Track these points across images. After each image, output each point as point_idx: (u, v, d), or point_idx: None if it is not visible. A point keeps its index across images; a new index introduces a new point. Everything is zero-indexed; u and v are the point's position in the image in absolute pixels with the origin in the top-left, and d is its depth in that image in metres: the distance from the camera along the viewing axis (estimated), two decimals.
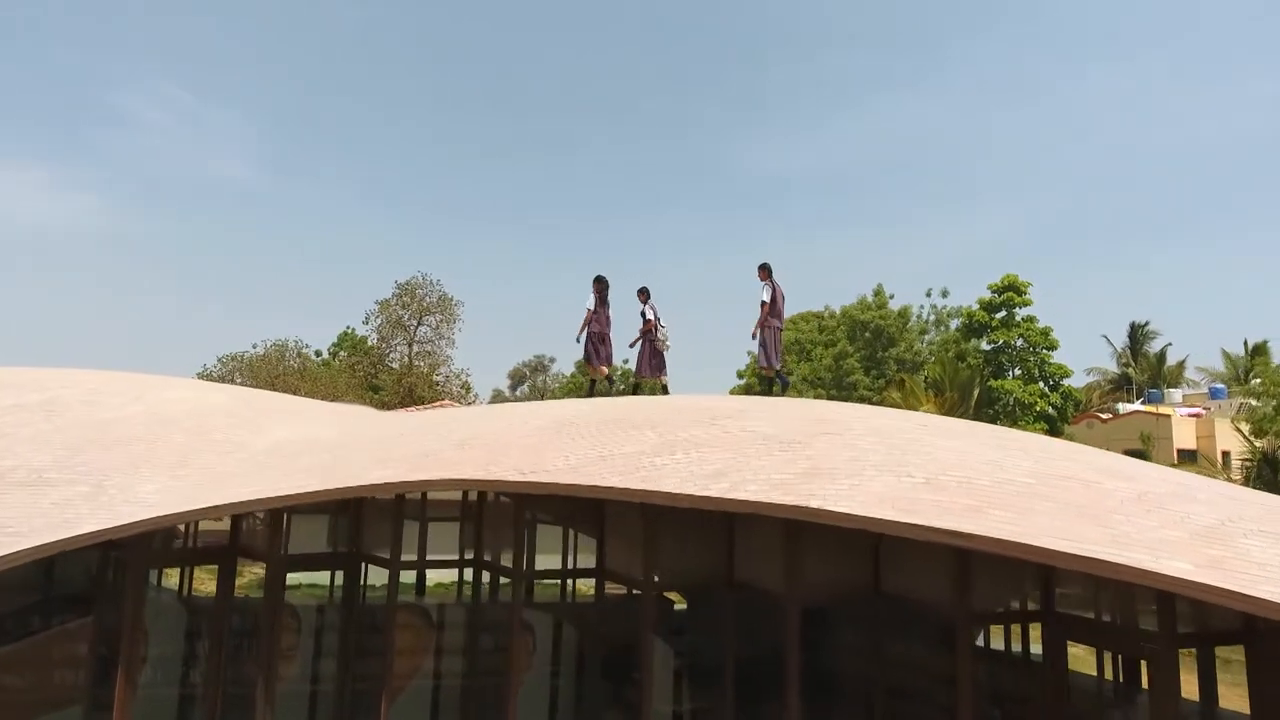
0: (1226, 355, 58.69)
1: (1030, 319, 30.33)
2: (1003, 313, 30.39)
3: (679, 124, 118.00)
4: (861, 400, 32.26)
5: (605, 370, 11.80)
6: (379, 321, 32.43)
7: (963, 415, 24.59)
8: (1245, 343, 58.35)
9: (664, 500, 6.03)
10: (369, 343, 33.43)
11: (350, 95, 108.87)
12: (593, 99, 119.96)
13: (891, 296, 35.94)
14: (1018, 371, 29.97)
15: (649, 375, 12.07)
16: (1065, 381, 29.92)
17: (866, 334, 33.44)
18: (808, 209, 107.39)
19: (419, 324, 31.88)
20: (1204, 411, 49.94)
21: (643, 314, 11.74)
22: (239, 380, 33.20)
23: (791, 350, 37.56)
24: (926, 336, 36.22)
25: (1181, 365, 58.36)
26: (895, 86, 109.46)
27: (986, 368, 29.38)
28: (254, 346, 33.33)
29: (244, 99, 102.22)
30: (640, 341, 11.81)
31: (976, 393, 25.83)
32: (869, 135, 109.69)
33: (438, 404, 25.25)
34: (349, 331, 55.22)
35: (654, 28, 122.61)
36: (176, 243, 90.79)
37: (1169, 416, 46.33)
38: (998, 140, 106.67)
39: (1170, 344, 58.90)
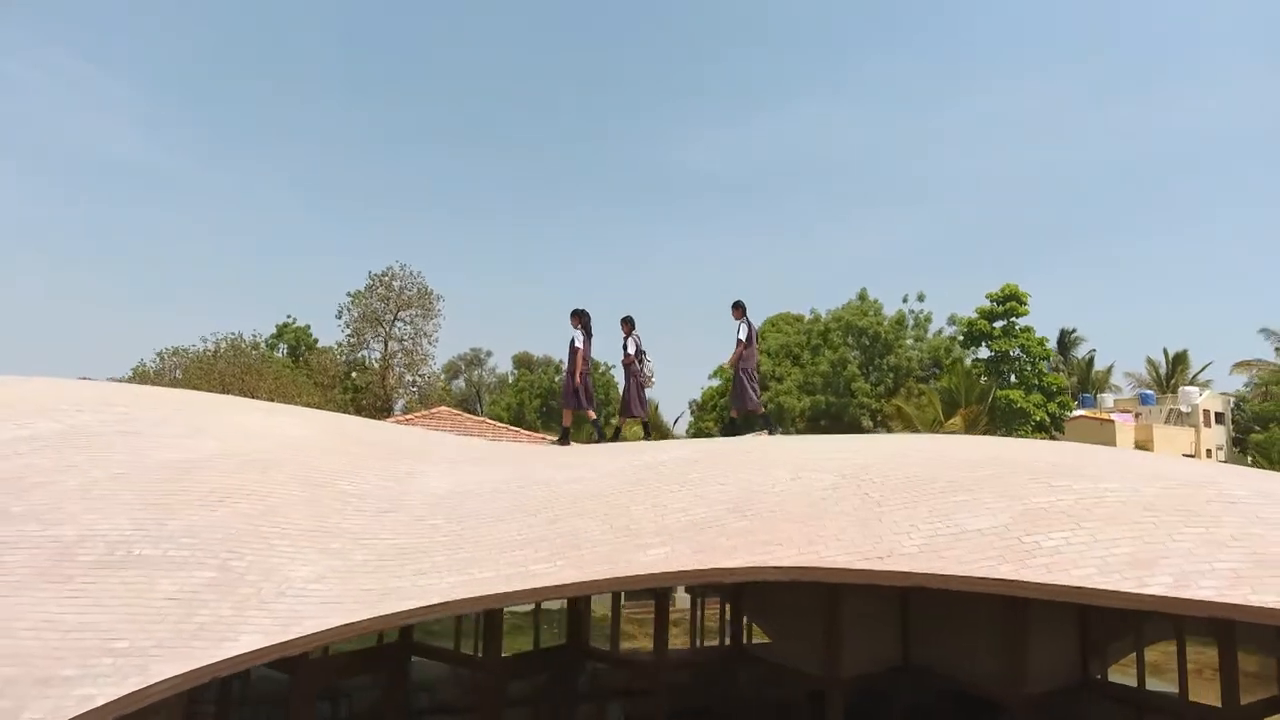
0: (1150, 363, 62.27)
1: (1028, 329, 30.52)
2: (1003, 321, 30.42)
3: (588, 116, 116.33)
4: (861, 407, 31.72)
5: (592, 414, 10.44)
6: (353, 315, 29.20)
7: (987, 428, 24.23)
8: (1166, 351, 62.11)
9: (1124, 603, 4.57)
10: (343, 339, 30.16)
11: (262, 74, 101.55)
12: (515, 87, 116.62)
13: (877, 301, 35.62)
14: (1013, 379, 30.10)
15: (635, 415, 10.74)
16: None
17: (864, 340, 32.91)
18: (706, 206, 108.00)
19: (395, 319, 28.94)
20: (1134, 417, 52.57)
21: (624, 347, 10.42)
22: (176, 376, 29.37)
23: (779, 355, 36.71)
24: (908, 342, 36.07)
25: (1109, 371, 61.57)
26: (802, 91, 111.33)
27: (988, 377, 29.33)
28: (203, 340, 29.54)
29: (139, 69, 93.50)
30: (626, 378, 10.61)
31: (989, 403, 25.60)
32: (776, 137, 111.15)
33: (433, 411, 22.80)
34: (289, 323, 50.70)
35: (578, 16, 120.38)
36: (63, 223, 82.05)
37: (1113, 422, 48.52)
38: (915, 146, 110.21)
39: (1095, 350, 61.98)
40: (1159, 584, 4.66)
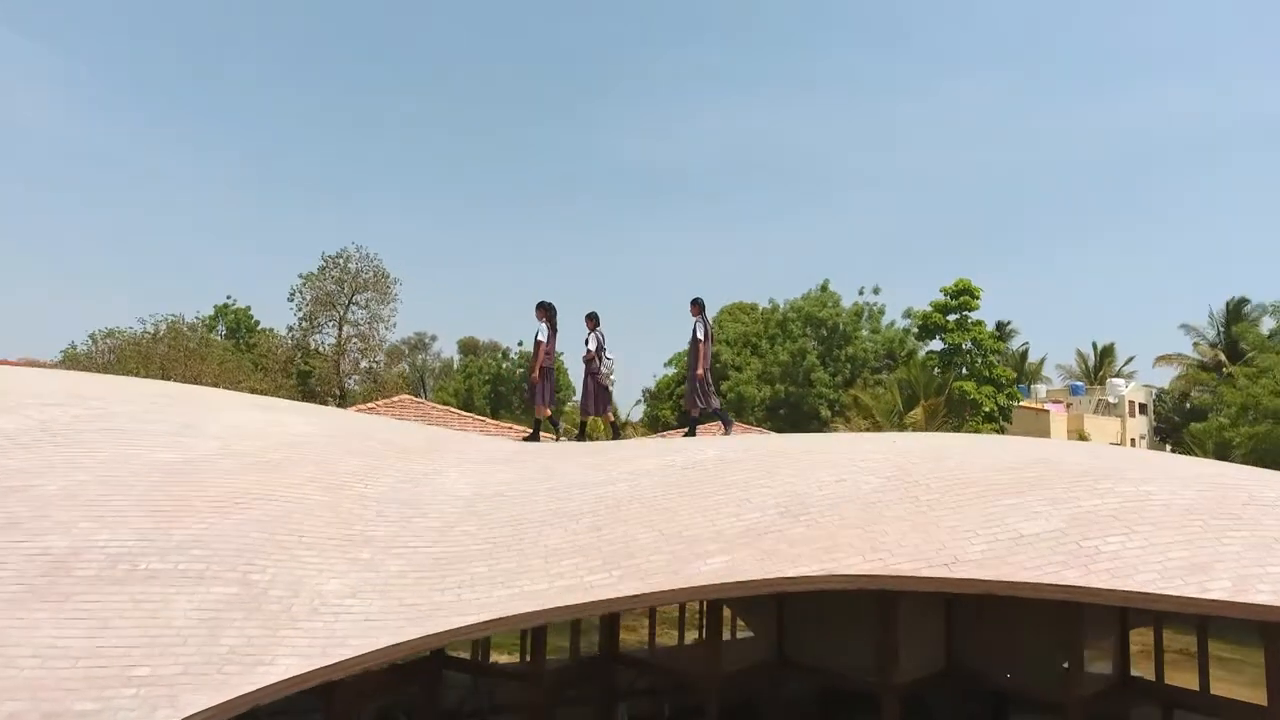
0: (1080, 355, 65.36)
1: (979, 323, 31.46)
2: (956, 315, 31.27)
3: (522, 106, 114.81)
4: (820, 397, 32.17)
5: (547, 410, 10.34)
6: (305, 298, 27.83)
7: (945, 419, 24.87)
8: (1095, 345, 65.29)
9: (1189, 608, 4.59)
10: (295, 322, 28.71)
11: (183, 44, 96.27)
12: (463, 68, 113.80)
13: (836, 294, 36.14)
14: (964, 371, 31.02)
15: (594, 413, 10.66)
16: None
17: (823, 331, 33.35)
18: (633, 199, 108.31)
19: (350, 303, 27.72)
20: (1065, 407, 55.13)
21: (586, 342, 10.28)
22: (110, 360, 27.53)
23: (737, 344, 36.92)
24: (863, 334, 36.75)
25: (1041, 363, 64.36)
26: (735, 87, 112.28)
27: (940, 369, 30.12)
28: (141, 323, 27.69)
29: (69, 40, 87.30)
30: (585, 375, 10.46)
31: (947, 395, 26.28)
32: (714, 132, 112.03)
33: (395, 399, 21.97)
34: (229, 304, 48.27)
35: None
36: None
37: (1048, 412, 50.75)
38: (848, 142, 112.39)
39: (1029, 343, 64.73)
40: (1219, 589, 4.72)
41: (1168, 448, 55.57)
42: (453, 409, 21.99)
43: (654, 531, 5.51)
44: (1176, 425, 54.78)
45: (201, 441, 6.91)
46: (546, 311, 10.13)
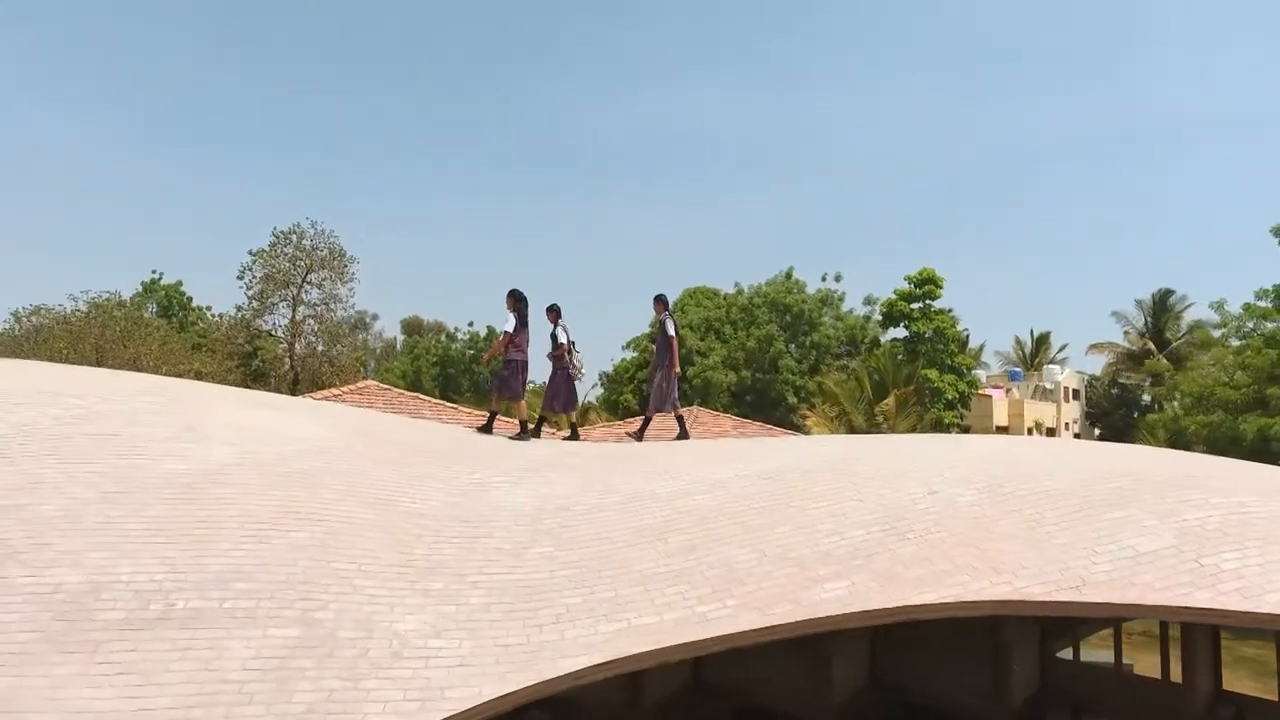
0: (1018, 342, 67.87)
1: (942, 311, 32.05)
2: (920, 304, 31.77)
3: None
4: (786, 384, 32.26)
5: (524, 407, 9.88)
6: (258, 276, 25.97)
7: (915, 407, 25.21)
8: (1031, 332, 67.93)
9: None
10: (246, 302, 26.77)
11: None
12: (406, 38, 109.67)
13: (801, 280, 36.24)
14: (923, 360, 31.58)
15: (562, 411, 10.31)
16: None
17: (788, 317, 33.40)
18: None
19: (304, 281, 26.06)
20: (1005, 392, 57.23)
21: (554, 336, 9.86)
22: (33, 341, 25.24)
23: (701, 329, 36.64)
24: (827, 320, 37.04)
25: (981, 349, 66.63)
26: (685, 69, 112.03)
27: (903, 357, 30.58)
28: (73, 300, 25.38)
29: None
30: (552, 371, 10.03)
31: (916, 384, 26.66)
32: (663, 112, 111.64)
33: (360, 386, 20.81)
34: (157, 279, 45.15)
35: None
36: None
37: (989, 397, 52.52)
38: (796, 126, 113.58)
39: (969, 330, 66.92)
40: None
41: (1096, 432, 58.43)
42: (423, 396, 20.97)
43: (754, 552, 5.06)
44: (1106, 410, 57.64)
45: (211, 448, 6.08)
46: (516, 301, 9.51)
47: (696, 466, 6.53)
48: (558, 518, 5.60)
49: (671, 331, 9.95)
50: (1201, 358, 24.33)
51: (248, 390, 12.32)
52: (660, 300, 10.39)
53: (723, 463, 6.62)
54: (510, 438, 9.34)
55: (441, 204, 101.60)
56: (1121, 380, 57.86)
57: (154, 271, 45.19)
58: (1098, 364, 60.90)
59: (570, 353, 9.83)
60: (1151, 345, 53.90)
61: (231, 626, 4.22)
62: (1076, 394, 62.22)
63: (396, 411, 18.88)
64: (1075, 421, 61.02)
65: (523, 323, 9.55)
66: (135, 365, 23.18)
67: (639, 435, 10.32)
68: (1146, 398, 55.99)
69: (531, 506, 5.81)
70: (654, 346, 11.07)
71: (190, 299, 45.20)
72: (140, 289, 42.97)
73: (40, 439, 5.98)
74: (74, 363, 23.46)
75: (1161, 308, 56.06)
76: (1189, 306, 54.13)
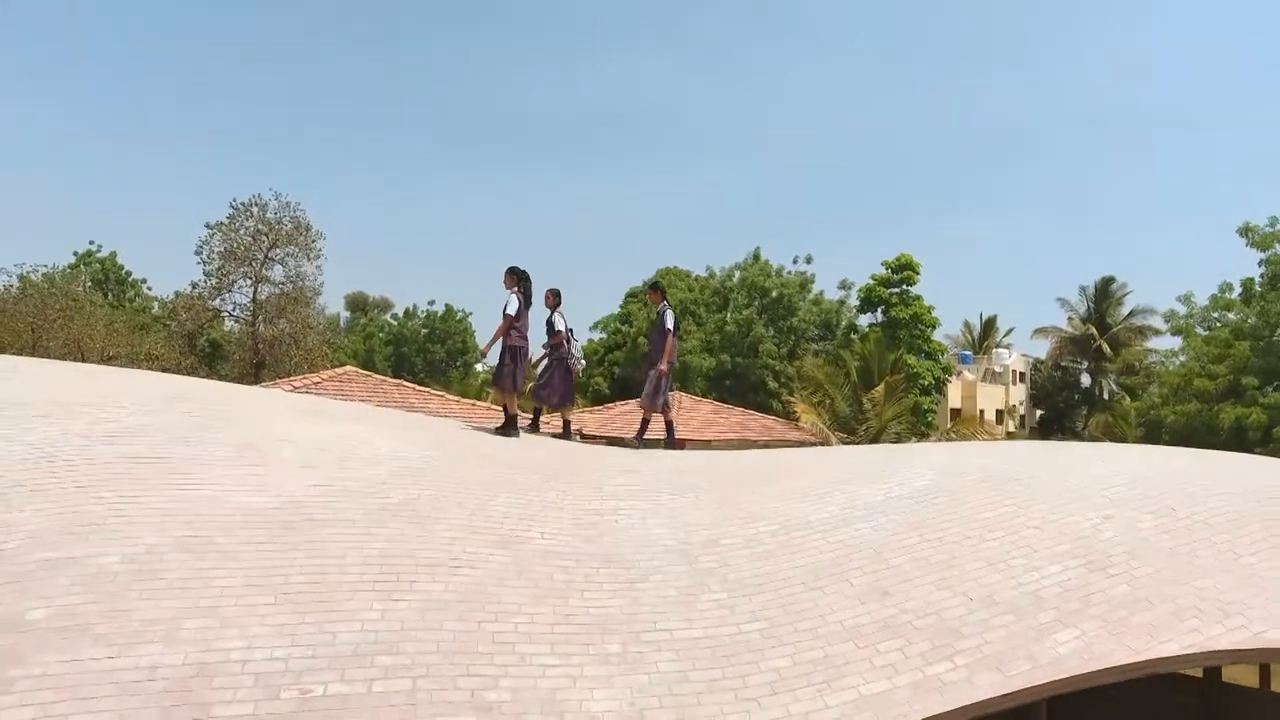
0: (966, 325, 69.75)
1: (918, 297, 32.27)
2: (898, 289, 31.88)
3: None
4: (765, 368, 32.03)
5: (515, 400, 8.79)
6: (217, 252, 23.86)
7: (903, 394, 25.23)
8: (980, 315, 69.91)
9: None
10: (204, 279, 24.59)
11: None
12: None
13: (776, 264, 35.98)
14: (902, 345, 31.80)
15: (559, 405, 9.44)
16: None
17: (765, 301, 33.11)
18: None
19: (266, 257, 24.13)
20: (956, 375, 58.84)
21: (550, 323, 9.00)
22: None
23: (677, 310, 35.98)
24: (803, 304, 36.94)
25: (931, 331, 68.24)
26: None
27: (881, 342, 30.68)
28: (5, 274, 22.87)
29: None
30: (548, 361, 9.05)
31: (903, 370, 26.70)
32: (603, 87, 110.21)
33: (339, 372, 19.47)
34: (92, 250, 41.69)
35: None
36: None
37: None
38: (726, 106, 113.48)
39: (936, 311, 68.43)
40: None
41: (1039, 414, 60.67)
42: (409, 384, 19.77)
43: (955, 594, 4.47)
44: (1049, 392, 59.89)
45: (287, 475, 5.13)
46: (518, 279, 8.55)
47: (834, 485, 5.90)
48: (713, 555, 4.89)
49: (670, 325, 8.93)
50: (1170, 347, 25.27)
51: (293, 394, 11.06)
52: (656, 289, 9.54)
53: (852, 480, 6.01)
54: (494, 430, 8.45)
55: (382, 177, 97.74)
56: (1063, 364, 59.96)
57: (91, 242, 41.75)
58: (1042, 348, 62.93)
59: (569, 341, 8.92)
60: (1093, 330, 55.94)
61: (390, 716, 3.39)
62: (1023, 377, 64.28)
63: (381, 401, 17.71)
64: (1021, 403, 63.16)
65: (526, 303, 8.57)
66: (79, 348, 21.10)
67: (639, 436, 9.44)
68: (1085, 379, 58.24)
69: (673, 539, 5.08)
70: (648, 339, 9.98)
71: (129, 273, 42.01)
72: (75, 259, 39.63)
73: (71, 463, 4.92)
74: (7, 344, 21.28)
75: (1103, 294, 58.12)
76: (1129, 293, 56.37)
